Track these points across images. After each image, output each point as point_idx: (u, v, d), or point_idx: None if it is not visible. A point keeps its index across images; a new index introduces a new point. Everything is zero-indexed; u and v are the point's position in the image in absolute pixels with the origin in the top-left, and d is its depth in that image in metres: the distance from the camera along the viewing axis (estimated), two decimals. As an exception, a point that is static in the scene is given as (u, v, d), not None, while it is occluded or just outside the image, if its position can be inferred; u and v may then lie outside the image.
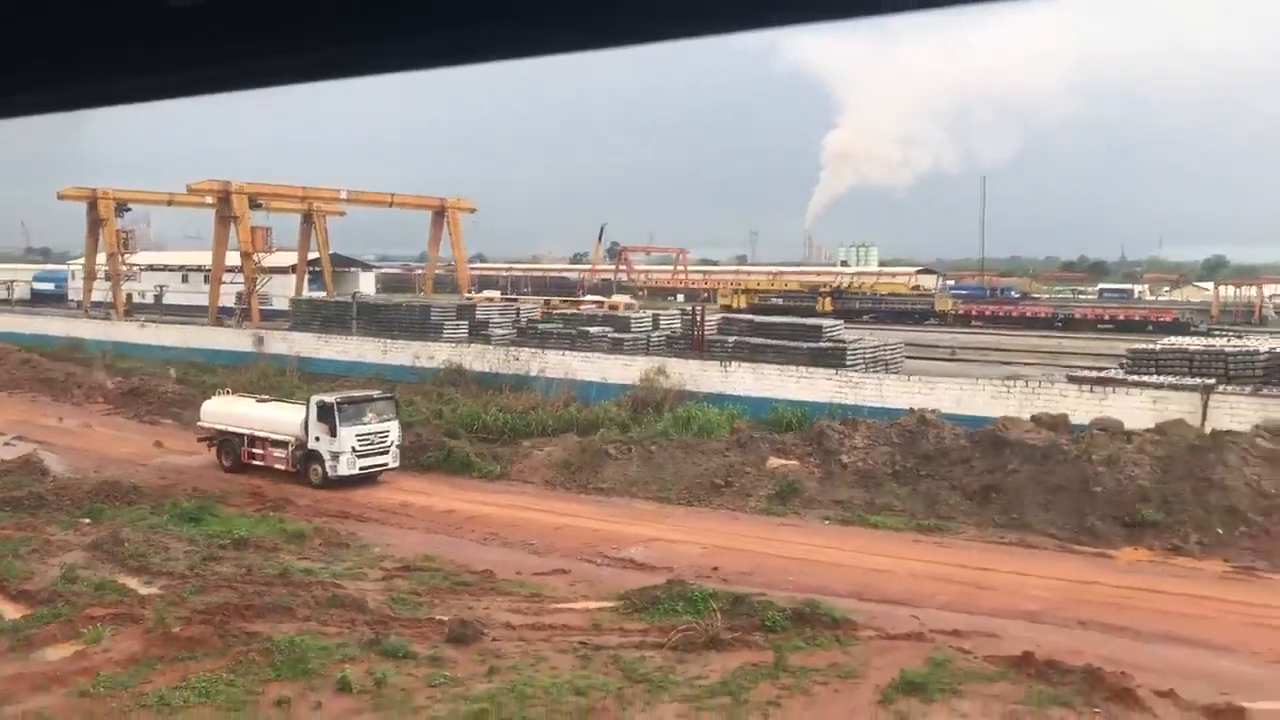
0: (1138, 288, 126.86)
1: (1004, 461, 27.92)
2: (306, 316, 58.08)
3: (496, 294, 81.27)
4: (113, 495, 26.97)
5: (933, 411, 31.41)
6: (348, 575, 21.36)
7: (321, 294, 68.38)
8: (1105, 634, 18.66)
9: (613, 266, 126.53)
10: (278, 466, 31.89)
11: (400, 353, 50.54)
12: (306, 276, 70.61)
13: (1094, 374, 37.62)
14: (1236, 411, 31.87)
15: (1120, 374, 37.32)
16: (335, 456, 30.37)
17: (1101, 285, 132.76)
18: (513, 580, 21.51)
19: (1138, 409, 32.59)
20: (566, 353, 46.43)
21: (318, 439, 30.73)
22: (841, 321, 55.70)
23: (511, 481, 31.89)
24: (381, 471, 31.46)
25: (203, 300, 64.88)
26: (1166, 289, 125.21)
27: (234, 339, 57.88)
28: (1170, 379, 35.86)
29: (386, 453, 31.47)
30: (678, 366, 43.04)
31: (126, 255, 74.22)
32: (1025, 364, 43.55)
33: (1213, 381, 34.50)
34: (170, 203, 76.40)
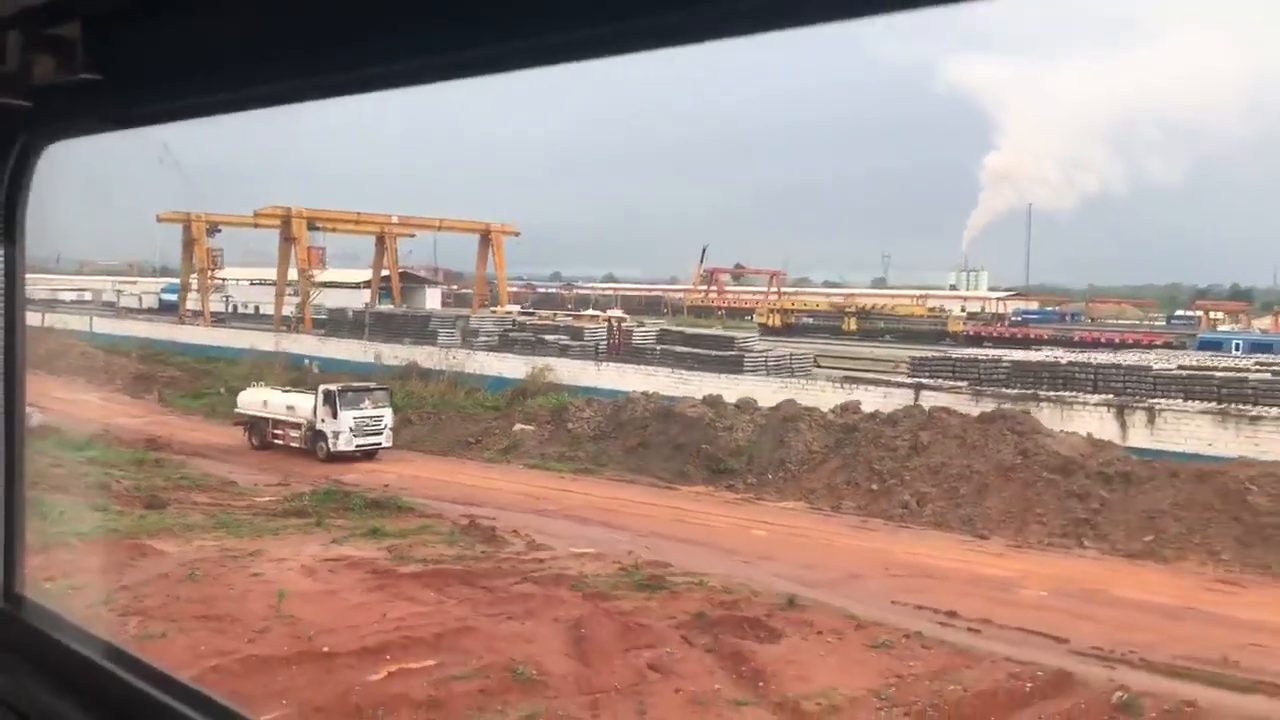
0: (1213, 314, 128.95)
1: (666, 427, 37.21)
2: (336, 324, 70.74)
3: (515, 308, 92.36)
4: (36, 434, 39.16)
5: (650, 394, 40.78)
6: (142, 479, 32.53)
7: (389, 306, 78.72)
8: (568, 521, 28.24)
9: (705, 288, 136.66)
10: (293, 444, 38.20)
11: (374, 353, 62.29)
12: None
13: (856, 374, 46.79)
14: (936, 401, 40.11)
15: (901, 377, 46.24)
16: (336, 435, 36.92)
17: (1179, 311, 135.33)
18: (241, 486, 32.36)
19: (873, 400, 41.16)
20: (493, 354, 57.21)
21: (323, 421, 37.30)
22: (755, 334, 65.21)
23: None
24: (378, 450, 37.81)
25: (292, 310, 75.39)
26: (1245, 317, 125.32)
27: (270, 340, 69.85)
28: (918, 379, 44.58)
29: (380, 434, 37.98)
30: (566, 365, 53.13)
31: (215, 271, 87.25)
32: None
33: (924, 380, 43.04)
34: (256, 225, 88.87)
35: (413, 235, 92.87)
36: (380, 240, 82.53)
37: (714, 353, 51.50)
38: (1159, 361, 43.88)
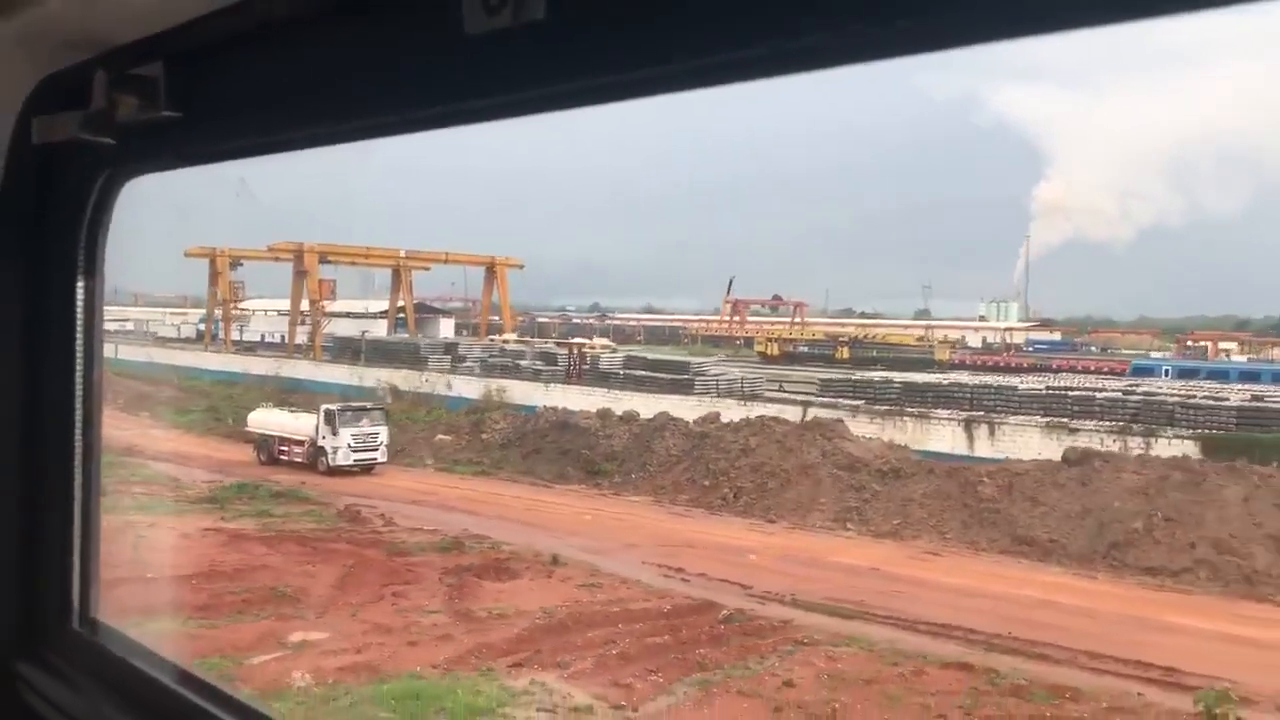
0: (1223, 344, 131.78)
1: (560, 436, 42.47)
2: (341, 351, 76.90)
3: (513, 336, 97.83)
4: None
5: (562, 409, 46.08)
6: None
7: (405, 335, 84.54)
8: (435, 510, 33.52)
9: (728, 319, 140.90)
10: (296, 460, 41.14)
11: (359, 377, 68.30)
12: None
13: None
14: (820, 415, 45.08)
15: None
16: (336, 451, 40.11)
17: (1189, 342, 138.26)
18: (182, 482, 38.12)
19: (772, 413, 46.12)
20: (466, 378, 62.96)
21: (324, 438, 40.52)
22: (714, 358, 70.63)
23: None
24: (374, 465, 41.05)
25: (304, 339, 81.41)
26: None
27: (279, 366, 76.09)
28: (811, 397, 49.53)
29: (376, 450, 41.41)
30: (524, 387, 58.62)
31: (237, 302, 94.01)
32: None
33: (810, 398, 48.04)
34: (277, 259, 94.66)
35: (428, 269, 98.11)
36: (396, 273, 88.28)
37: (670, 377, 56.40)
38: (1024, 383, 48.45)
